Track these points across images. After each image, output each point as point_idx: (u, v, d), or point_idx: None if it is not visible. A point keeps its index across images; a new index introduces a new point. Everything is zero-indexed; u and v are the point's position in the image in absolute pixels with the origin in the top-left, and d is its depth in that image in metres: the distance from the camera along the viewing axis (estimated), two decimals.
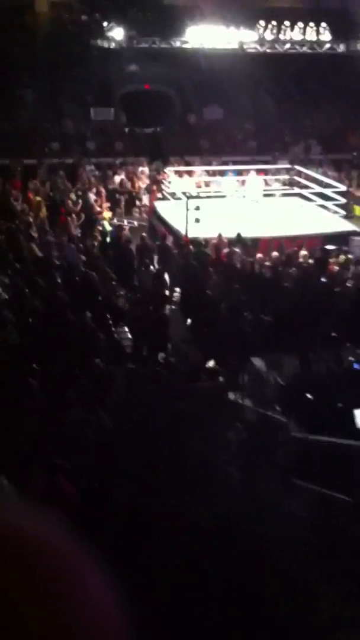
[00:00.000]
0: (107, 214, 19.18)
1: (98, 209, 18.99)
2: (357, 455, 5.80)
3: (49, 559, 0.56)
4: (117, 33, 24.56)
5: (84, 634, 0.55)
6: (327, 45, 24.43)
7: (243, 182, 20.84)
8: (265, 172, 22.18)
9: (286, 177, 22.07)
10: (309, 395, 9.12)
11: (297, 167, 21.82)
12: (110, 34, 24.96)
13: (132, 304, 13.09)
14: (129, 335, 12.34)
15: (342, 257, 15.46)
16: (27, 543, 0.57)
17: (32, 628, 0.53)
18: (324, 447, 6.27)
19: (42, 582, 0.55)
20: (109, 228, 17.62)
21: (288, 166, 22.43)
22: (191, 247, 15.49)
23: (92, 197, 19.25)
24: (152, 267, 15.14)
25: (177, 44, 24.41)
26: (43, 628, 0.53)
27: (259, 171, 21.34)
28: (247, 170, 21.11)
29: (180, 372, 9.77)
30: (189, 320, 13.11)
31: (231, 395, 9.80)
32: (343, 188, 19.77)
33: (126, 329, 12.57)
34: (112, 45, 24.76)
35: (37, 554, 0.56)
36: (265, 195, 20.66)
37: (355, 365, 9.80)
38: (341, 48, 24.72)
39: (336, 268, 14.79)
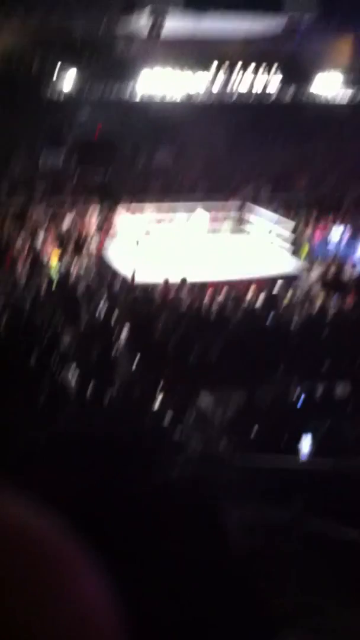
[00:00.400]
0: (56, 256, 19.10)
1: (46, 250, 18.92)
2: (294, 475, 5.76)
3: (27, 544, 0.56)
4: (69, 82, 25.00)
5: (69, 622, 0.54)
6: (277, 91, 25.17)
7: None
8: (216, 210, 22.47)
9: (236, 215, 22.40)
10: (255, 428, 9.07)
11: (247, 207, 22.17)
12: (62, 82, 25.38)
13: (79, 344, 12.94)
14: (75, 375, 12.15)
15: (289, 295, 15.62)
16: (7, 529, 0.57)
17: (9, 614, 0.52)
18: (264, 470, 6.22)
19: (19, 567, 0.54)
20: (56, 270, 17.54)
21: (238, 205, 22.77)
22: (139, 288, 15.50)
23: (40, 239, 19.22)
24: (100, 307, 15.06)
25: (129, 92, 24.91)
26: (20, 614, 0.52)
27: (209, 208, 21.64)
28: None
29: (125, 411, 9.60)
30: (135, 360, 13.00)
31: (178, 431, 9.65)
32: (292, 227, 20.09)
33: (72, 370, 12.39)
34: (64, 93, 25.13)
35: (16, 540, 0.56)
36: (215, 232, 20.89)
37: (302, 398, 9.81)
38: (291, 93, 25.49)
39: (284, 304, 14.92)
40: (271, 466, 6.80)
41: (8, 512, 0.59)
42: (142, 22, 20.51)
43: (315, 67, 26.93)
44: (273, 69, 25.04)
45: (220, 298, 15.37)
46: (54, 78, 26.17)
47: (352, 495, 5.56)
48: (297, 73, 26.54)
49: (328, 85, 25.97)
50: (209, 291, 16.07)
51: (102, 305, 15.23)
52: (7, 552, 0.55)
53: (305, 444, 8.31)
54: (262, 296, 15.43)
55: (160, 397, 11.41)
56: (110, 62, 28.52)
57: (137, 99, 25.60)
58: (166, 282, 15.78)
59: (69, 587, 0.56)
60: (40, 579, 0.55)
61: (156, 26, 19.76)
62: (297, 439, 8.29)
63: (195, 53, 26.63)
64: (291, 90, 25.38)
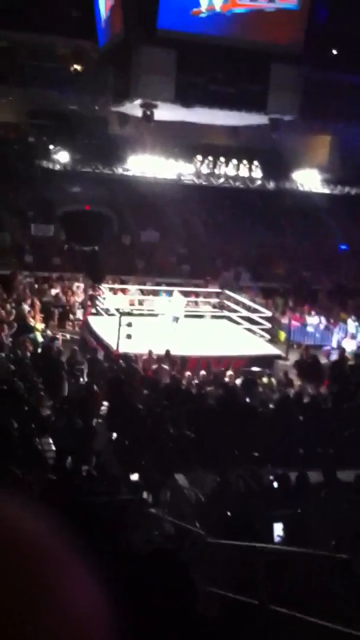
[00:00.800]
0: (40, 326, 19.43)
1: (31, 320, 19.23)
2: (261, 557, 5.94)
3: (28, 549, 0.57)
4: (63, 156, 25.78)
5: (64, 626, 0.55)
6: (259, 182, 26.18)
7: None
8: (196, 294, 23.07)
9: (216, 300, 22.99)
10: (228, 513, 9.27)
11: (227, 292, 22.80)
12: (55, 156, 26.18)
13: (59, 415, 13.13)
14: (53, 447, 12.28)
15: (265, 379, 16.04)
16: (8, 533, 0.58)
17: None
18: (232, 551, 6.41)
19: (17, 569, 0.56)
20: (40, 339, 17.79)
21: (218, 290, 23.41)
22: (121, 361, 15.79)
23: (26, 308, 19.54)
24: (81, 379, 15.32)
25: (119, 170, 25.74)
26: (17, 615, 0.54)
27: (188, 293, 22.19)
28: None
29: (101, 485, 9.77)
30: (113, 434, 13.19)
31: (152, 510, 9.83)
32: (269, 314, 20.69)
33: (51, 440, 12.53)
34: (57, 167, 25.90)
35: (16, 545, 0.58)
36: (195, 316, 21.41)
37: (275, 484, 10.03)
38: (271, 185, 26.52)
39: (260, 389, 15.30)
40: (239, 549, 6.99)
41: (4, 514, 0.60)
42: (133, 108, 21.55)
43: (294, 163, 28.25)
44: (255, 163, 26.15)
45: (201, 372, 15.76)
46: (48, 152, 27.05)
47: (314, 583, 5.79)
48: (277, 167, 27.76)
49: (306, 180, 27.24)
50: (190, 365, 16.47)
51: (85, 375, 15.53)
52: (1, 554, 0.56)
53: (275, 530, 8.49)
54: (240, 375, 15.88)
55: (136, 473, 11.62)
56: (102, 141, 29.61)
57: (126, 178, 26.49)
58: (150, 352, 16.16)
59: (61, 588, 0.56)
60: (34, 580, 0.55)
61: (147, 115, 20.80)
62: (268, 525, 8.47)
63: (182, 140, 27.82)
64: (271, 183, 26.54)
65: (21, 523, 0.60)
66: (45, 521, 0.61)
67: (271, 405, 14.11)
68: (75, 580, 0.59)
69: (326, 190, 26.91)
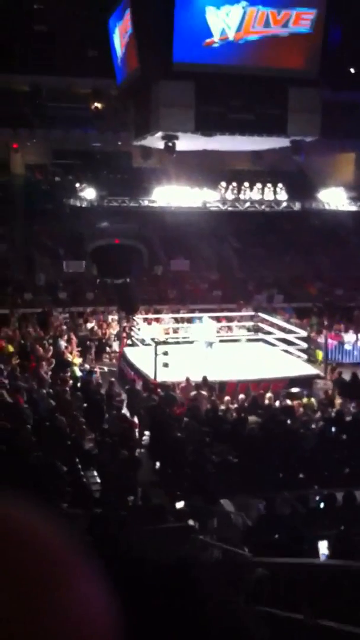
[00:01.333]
0: (77, 360, 19.64)
1: (68, 355, 19.46)
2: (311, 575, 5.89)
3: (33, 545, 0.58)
4: (89, 192, 26.23)
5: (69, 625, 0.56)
6: (284, 204, 26.27)
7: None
8: (229, 319, 23.11)
9: (251, 323, 22.99)
10: (276, 536, 9.21)
11: (261, 315, 22.79)
12: (82, 193, 26.65)
13: (102, 448, 13.22)
14: (98, 480, 12.36)
15: (305, 400, 15.93)
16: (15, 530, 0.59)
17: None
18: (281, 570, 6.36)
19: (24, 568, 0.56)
20: (79, 373, 17.97)
21: (252, 313, 23.41)
22: (160, 390, 15.85)
23: (62, 343, 19.79)
24: (121, 411, 15.42)
25: (145, 202, 26.09)
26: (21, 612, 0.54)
27: (220, 317, 22.24)
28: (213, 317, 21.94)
29: (147, 515, 9.80)
30: (157, 463, 13.22)
31: (200, 536, 9.80)
32: (305, 334, 20.60)
33: (95, 473, 12.61)
34: (84, 203, 26.35)
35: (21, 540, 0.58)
36: (231, 340, 21.43)
37: (321, 505, 9.95)
38: (297, 206, 26.59)
39: (301, 410, 15.20)
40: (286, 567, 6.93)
41: (8, 513, 0.60)
42: (155, 141, 21.88)
43: (319, 182, 28.30)
44: (279, 185, 26.26)
45: (240, 396, 15.73)
46: (75, 190, 27.54)
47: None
48: (302, 188, 27.83)
49: (332, 199, 27.24)
50: (229, 390, 16.45)
51: (125, 406, 15.63)
52: (5, 552, 0.57)
53: (320, 549, 8.40)
54: (279, 397, 15.81)
55: (181, 502, 11.61)
56: (127, 175, 30.05)
57: (153, 209, 26.80)
58: (187, 380, 16.19)
59: (66, 587, 0.57)
60: (38, 578, 0.56)
61: (169, 146, 21.08)
62: (314, 544, 8.38)
63: (205, 168, 28.10)
64: (297, 204, 26.60)
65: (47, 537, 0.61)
66: (51, 520, 0.63)
67: (313, 426, 14.01)
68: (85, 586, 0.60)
69: (353, 208, 26.86)
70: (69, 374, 17.64)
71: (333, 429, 13.67)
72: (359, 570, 5.95)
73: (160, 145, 21.53)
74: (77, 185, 27.56)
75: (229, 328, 22.62)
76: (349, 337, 22.42)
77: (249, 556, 6.68)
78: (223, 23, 19.15)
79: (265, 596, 5.65)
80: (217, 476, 11.90)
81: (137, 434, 14.45)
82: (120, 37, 21.50)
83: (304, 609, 4.49)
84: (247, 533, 9.64)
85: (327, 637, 4.56)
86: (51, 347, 19.36)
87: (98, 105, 32.20)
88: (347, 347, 22.06)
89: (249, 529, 9.74)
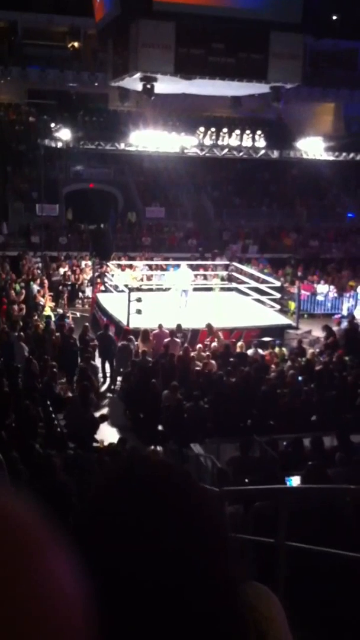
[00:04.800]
0: (50, 304, 19.53)
1: (41, 299, 19.34)
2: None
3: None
4: (64, 134, 25.68)
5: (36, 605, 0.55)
6: (262, 151, 26.01)
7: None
8: (204, 268, 23.07)
9: (224, 273, 22.98)
10: (246, 480, 9.39)
11: (235, 264, 22.79)
12: (57, 134, 26.08)
13: (75, 391, 13.27)
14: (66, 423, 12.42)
15: (277, 350, 16.11)
16: None
17: None
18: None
19: None
20: (52, 318, 17.90)
21: (226, 263, 23.40)
22: (132, 337, 15.88)
23: (35, 287, 19.64)
24: (94, 356, 15.44)
25: (122, 146, 25.63)
26: None
27: (196, 266, 22.17)
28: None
29: (119, 456, 9.90)
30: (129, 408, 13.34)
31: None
32: (278, 284, 20.68)
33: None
34: (59, 144, 25.82)
35: None
36: (205, 289, 21.44)
37: (288, 449, 10.16)
38: (275, 154, 26.35)
39: (274, 360, 15.38)
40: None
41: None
42: (133, 83, 21.43)
43: (298, 132, 28.04)
44: (258, 132, 25.95)
45: (213, 344, 15.86)
46: (50, 131, 26.95)
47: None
48: (281, 137, 27.57)
49: (311, 148, 27.03)
50: (201, 337, 16.54)
51: (97, 352, 15.64)
52: None
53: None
54: (251, 346, 15.95)
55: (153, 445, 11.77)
56: (104, 118, 29.48)
57: (129, 153, 26.37)
58: (160, 326, 16.23)
59: (37, 567, 0.57)
60: (9, 558, 0.56)
61: (147, 88, 20.67)
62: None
63: (184, 113, 27.68)
64: (275, 152, 26.36)
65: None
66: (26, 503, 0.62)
67: (284, 373, 14.17)
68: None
69: (330, 157, 26.71)
70: (41, 317, 17.56)
71: (300, 378, 13.87)
72: (327, 493, 6.16)
73: (139, 87, 21.08)
74: (52, 126, 26.94)
75: (204, 277, 22.60)
76: (322, 288, 22.58)
77: (219, 491, 6.82)
78: None
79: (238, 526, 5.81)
80: (188, 421, 12.06)
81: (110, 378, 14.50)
82: None
83: (277, 534, 4.63)
84: (219, 475, 9.81)
85: (297, 558, 4.73)
86: (23, 291, 19.21)
87: (75, 44, 31.32)
88: (320, 298, 22.23)
89: (220, 471, 9.91)
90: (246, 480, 9.37)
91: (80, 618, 0.58)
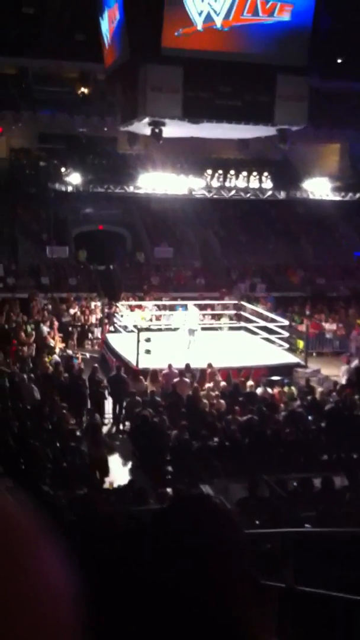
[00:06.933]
0: (60, 345, 19.62)
1: (51, 340, 19.43)
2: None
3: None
4: (74, 177, 26.06)
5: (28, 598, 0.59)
6: (269, 192, 26.29)
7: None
8: (212, 307, 23.16)
9: (232, 312, 23.06)
10: (257, 522, 9.31)
11: (243, 303, 22.87)
12: (67, 178, 26.47)
13: (84, 433, 13.26)
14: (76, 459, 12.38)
15: (286, 389, 16.07)
16: None
17: None
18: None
19: None
20: (60, 359, 17.95)
21: (234, 302, 23.48)
22: (141, 377, 15.89)
23: (45, 329, 19.74)
24: (104, 397, 15.44)
25: (130, 188, 25.97)
26: None
27: (204, 306, 22.25)
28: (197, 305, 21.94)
29: (128, 496, 9.87)
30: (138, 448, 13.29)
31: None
32: (286, 322, 20.71)
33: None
34: (69, 188, 26.19)
35: None
36: (213, 328, 21.50)
37: (298, 489, 10.08)
38: (282, 195, 26.63)
39: (283, 399, 15.33)
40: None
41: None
42: (142, 127, 21.83)
43: (305, 172, 28.35)
44: (265, 174, 26.27)
45: (221, 383, 15.84)
46: (60, 174, 27.36)
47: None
48: (287, 177, 27.86)
49: (317, 188, 27.32)
50: (210, 377, 16.52)
51: (108, 394, 15.63)
52: None
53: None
54: (260, 385, 15.92)
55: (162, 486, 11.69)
56: (113, 161, 29.92)
57: (138, 196, 26.71)
58: (170, 366, 16.23)
59: (27, 559, 0.60)
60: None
61: (155, 132, 21.04)
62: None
63: (192, 156, 28.05)
64: (282, 193, 26.65)
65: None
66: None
67: (295, 411, 14.12)
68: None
69: (337, 198, 26.97)
70: (50, 358, 17.62)
71: (310, 417, 13.81)
72: (338, 536, 6.11)
73: (147, 131, 21.44)
74: (63, 169, 27.37)
75: (212, 316, 22.68)
76: (330, 327, 22.59)
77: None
78: (210, 9, 19.08)
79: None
80: (197, 461, 12.00)
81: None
82: (109, 22, 21.36)
83: (285, 576, 4.60)
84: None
85: (306, 601, 4.68)
86: (33, 332, 19.32)
87: (85, 89, 31.99)
88: (328, 336, 22.23)
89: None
90: (257, 522, 9.30)
91: (70, 617, 0.61)
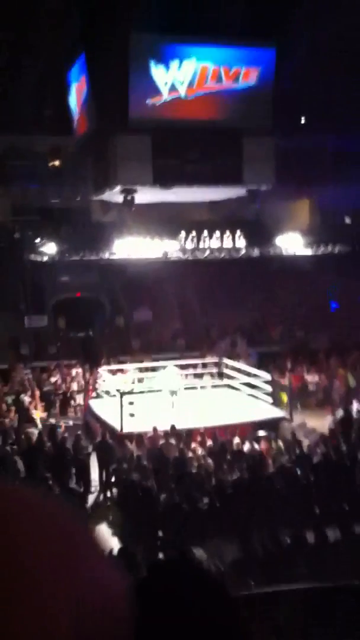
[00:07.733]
0: (42, 415, 19.42)
1: (33, 410, 19.24)
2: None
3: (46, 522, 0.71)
4: (49, 247, 26.28)
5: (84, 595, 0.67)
6: (243, 251, 26.70)
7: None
8: (194, 366, 23.16)
9: (215, 370, 23.06)
10: (252, 583, 9.14)
11: (225, 360, 22.91)
12: (42, 249, 26.69)
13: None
14: None
15: (273, 444, 15.97)
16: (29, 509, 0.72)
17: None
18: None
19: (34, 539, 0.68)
20: (42, 424, 17.79)
21: (216, 360, 23.51)
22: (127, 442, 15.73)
23: (26, 399, 19.57)
24: (88, 465, 15.22)
25: (106, 255, 26.22)
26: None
27: (186, 366, 22.22)
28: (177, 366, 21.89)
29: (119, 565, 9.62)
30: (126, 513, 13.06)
31: None
32: (269, 377, 20.74)
33: None
34: (45, 258, 26.38)
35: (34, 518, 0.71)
36: (195, 388, 21.44)
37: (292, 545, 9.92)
38: (255, 252, 27.05)
39: (271, 454, 15.22)
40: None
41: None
42: (114, 195, 22.25)
43: (277, 229, 28.87)
44: (237, 233, 26.72)
45: (209, 443, 15.70)
46: (35, 246, 27.57)
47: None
48: (260, 235, 28.35)
49: (290, 244, 27.80)
50: (197, 437, 16.38)
51: (97, 459, 15.40)
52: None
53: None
54: (246, 441, 15.81)
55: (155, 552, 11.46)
56: (87, 229, 30.27)
57: (114, 262, 26.95)
58: (155, 429, 16.10)
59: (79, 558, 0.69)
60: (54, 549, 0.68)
61: (127, 200, 21.48)
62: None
63: (165, 220, 28.47)
64: (255, 250, 27.06)
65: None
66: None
67: (283, 466, 14.01)
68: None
69: (309, 252, 27.45)
70: (33, 429, 17.41)
71: (299, 471, 13.71)
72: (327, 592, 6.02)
73: (119, 199, 21.85)
74: (37, 240, 27.61)
75: (194, 375, 22.64)
76: (312, 379, 22.63)
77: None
78: (173, 79, 19.72)
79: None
80: (188, 524, 11.81)
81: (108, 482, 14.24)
82: (77, 95, 21.98)
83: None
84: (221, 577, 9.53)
85: None
86: (14, 404, 19.13)
87: (56, 162, 32.59)
88: (311, 387, 22.25)
89: (222, 574, 9.63)
90: (252, 583, 9.13)
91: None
